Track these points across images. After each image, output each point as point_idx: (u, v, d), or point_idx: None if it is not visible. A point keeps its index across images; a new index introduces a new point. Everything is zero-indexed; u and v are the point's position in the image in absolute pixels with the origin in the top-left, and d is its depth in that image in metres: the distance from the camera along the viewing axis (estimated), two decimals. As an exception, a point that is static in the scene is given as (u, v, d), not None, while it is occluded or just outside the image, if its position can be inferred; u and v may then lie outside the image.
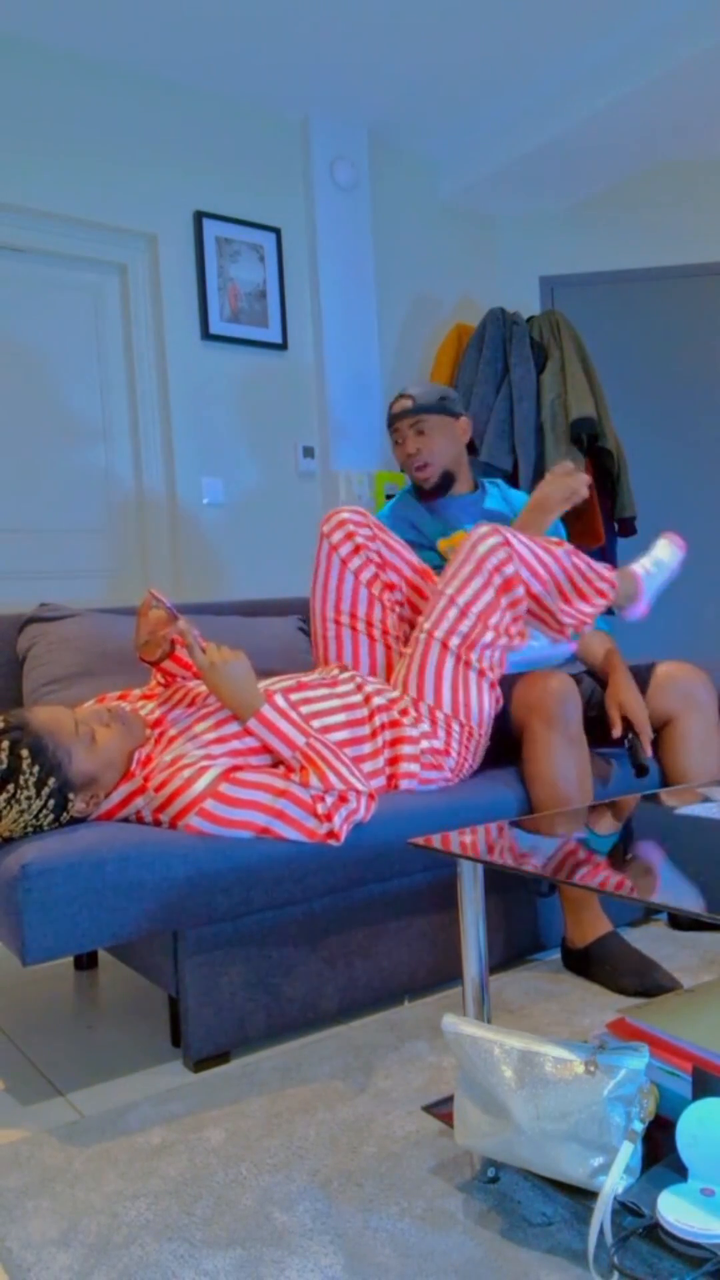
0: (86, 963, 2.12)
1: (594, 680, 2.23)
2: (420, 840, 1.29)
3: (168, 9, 3.06)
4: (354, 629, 2.04)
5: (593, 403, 3.56)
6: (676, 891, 1.04)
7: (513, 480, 3.61)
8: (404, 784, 1.83)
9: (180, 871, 1.52)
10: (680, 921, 2.09)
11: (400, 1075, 1.49)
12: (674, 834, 1.30)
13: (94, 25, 3.12)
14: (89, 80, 3.29)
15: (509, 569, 1.87)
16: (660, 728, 2.14)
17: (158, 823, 1.62)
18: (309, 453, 3.77)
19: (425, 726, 1.86)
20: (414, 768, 1.83)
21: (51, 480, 3.32)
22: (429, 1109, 1.37)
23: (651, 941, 2.01)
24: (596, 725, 2.19)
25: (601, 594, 1.95)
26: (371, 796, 1.65)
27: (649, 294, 4.08)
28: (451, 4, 3.12)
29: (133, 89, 3.38)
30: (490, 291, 4.34)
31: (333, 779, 1.60)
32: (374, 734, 1.82)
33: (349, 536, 2.03)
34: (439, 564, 2.32)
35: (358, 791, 1.62)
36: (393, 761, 1.82)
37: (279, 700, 1.67)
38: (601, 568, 1.97)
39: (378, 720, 1.83)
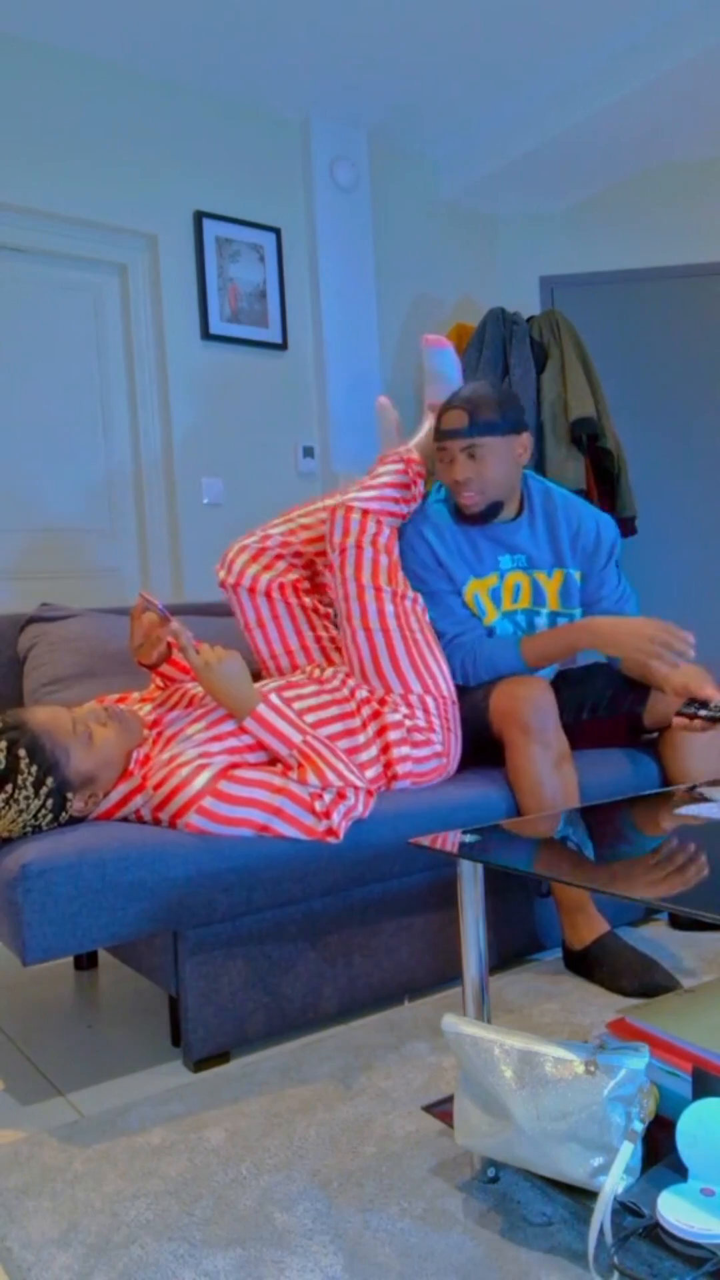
0: (86, 963, 2.12)
1: (615, 681, 2.19)
2: (420, 840, 1.29)
3: (168, 9, 3.06)
4: (293, 663, 2.07)
5: (593, 403, 3.56)
6: (676, 891, 1.04)
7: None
8: (400, 769, 1.83)
9: (180, 871, 1.52)
10: (680, 921, 2.09)
11: (400, 1075, 1.49)
12: (674, 834, 1.30)
13: (94, 25, 3.12)
14: (89, 80, 3.29)
15: (373, 530, 1.98)
16: (663, 729, 2.14)
17: (157, 822, 1.62)
18: (309, 453, 3.77)
19: (404, 709, 1.88)
20: (406, 750, 1.84)
21: (51, 480, 3.32)
22: (429, 1109, 1.37)
23: (651, 941, 2.01)
24: (605, 725, 2.19)
25: (406, 459, 2.10)
26: (370, 793, 1.65)
27: (649, 294, 4.08)
28: (451, 4, 3.12)
29: (133, 89, 3.38)
30: (490, 291, 4.34)
31: (330, 776, 1.60)
32: (365, 725, 1.83)
33: (238, 567, 2.05)
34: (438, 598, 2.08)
35: (355, 788, 1.62)
36: (384, 749, 1.83)
37: (274, 699, 1.67)
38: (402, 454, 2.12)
39: (365, 711, 1.85)
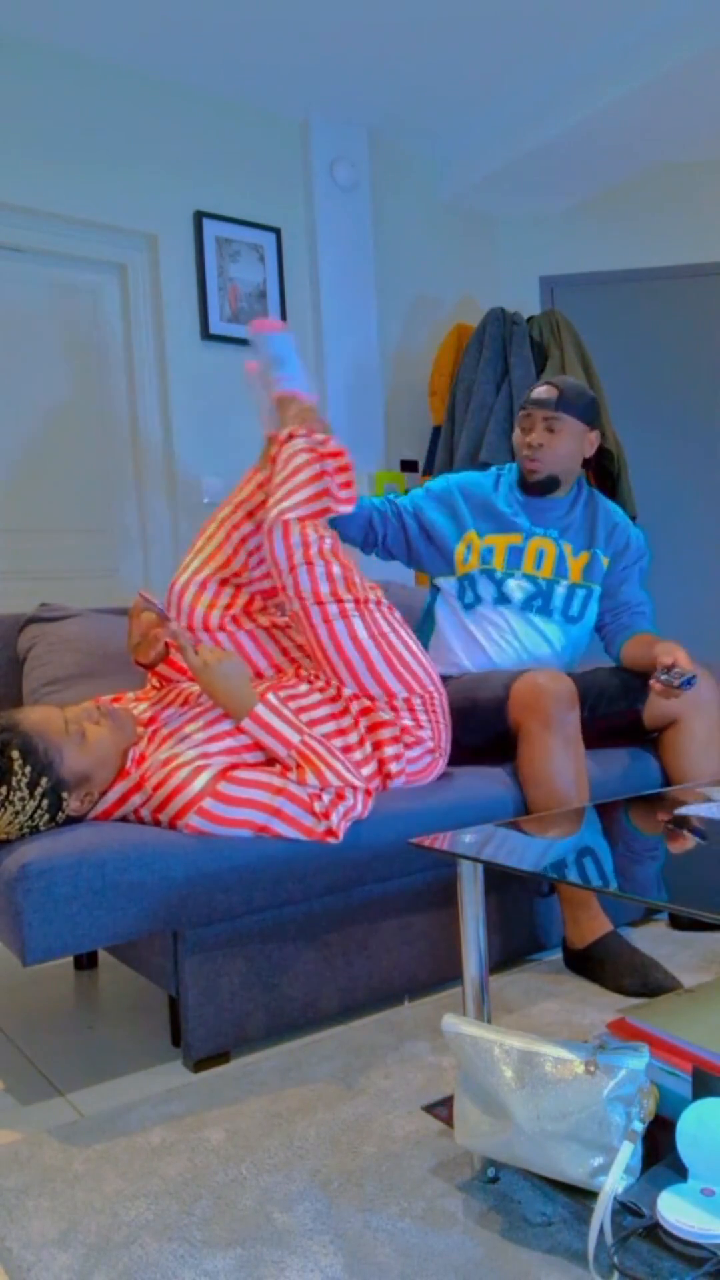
0: (86, 963, 2.12)
1: (615, 681, 2.19)
2: (420, 840, 1.30)
3: (168, 9, 3.06)
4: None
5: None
6: (676, 891, 1.04)
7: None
8: (393, 767, 1.83)
9: (180, 871, 1.52)
10: (680, 921, 2.09)
11: (400, 1075, 1.49)
12: (675, 834, 1.30)
13: (94, 25, 3.12)
14: (89, 80, 3.29)
15: (315, 541, 1.89)
16: (664, 728, 2.14)
17: (157, 823, 1.62)
18: (309, 453, 3.77)
19: (391, 714, 1.87)
20: (398, 748, 1.83)
21: (51, 480, 3.32)
22: (429, 1109, 1.37)
23: (651, 941, 2.01)
24: (605, 724, 2.19)
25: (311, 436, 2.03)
26: (369, 793, 1.65)
27: (649, 294, 4.08)
28: (451, 4, 3.12)
29: (133, 89, 3.38)
30: (490, 291, 4.34)
31: (329, 776, 1.60)
32: (356, 722, 1.83)
33: (186, 606, 1.97)
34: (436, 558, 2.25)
35: (354, 788, 1.62)
36: (377, 747, 1.83)
37: (272, 699, 1.67)
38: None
39: (355, 707, 1.85)
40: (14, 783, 1.50)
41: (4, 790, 1.50)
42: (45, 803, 1.53)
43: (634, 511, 3.72)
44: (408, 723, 1.86)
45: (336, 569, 1.87)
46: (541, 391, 2.19)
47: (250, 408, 3.64)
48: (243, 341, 3.59)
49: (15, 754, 1.52)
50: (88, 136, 3.28)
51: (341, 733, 1.82)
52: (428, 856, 1.79)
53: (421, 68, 3.46)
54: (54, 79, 3.22)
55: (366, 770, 1.82)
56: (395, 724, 1.84)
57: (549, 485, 2.21)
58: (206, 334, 3.51)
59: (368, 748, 1.83)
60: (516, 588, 2.18)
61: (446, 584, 2.25)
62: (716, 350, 4.05)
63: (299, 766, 1.62)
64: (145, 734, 1.72)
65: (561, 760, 1.86)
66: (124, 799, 1.63)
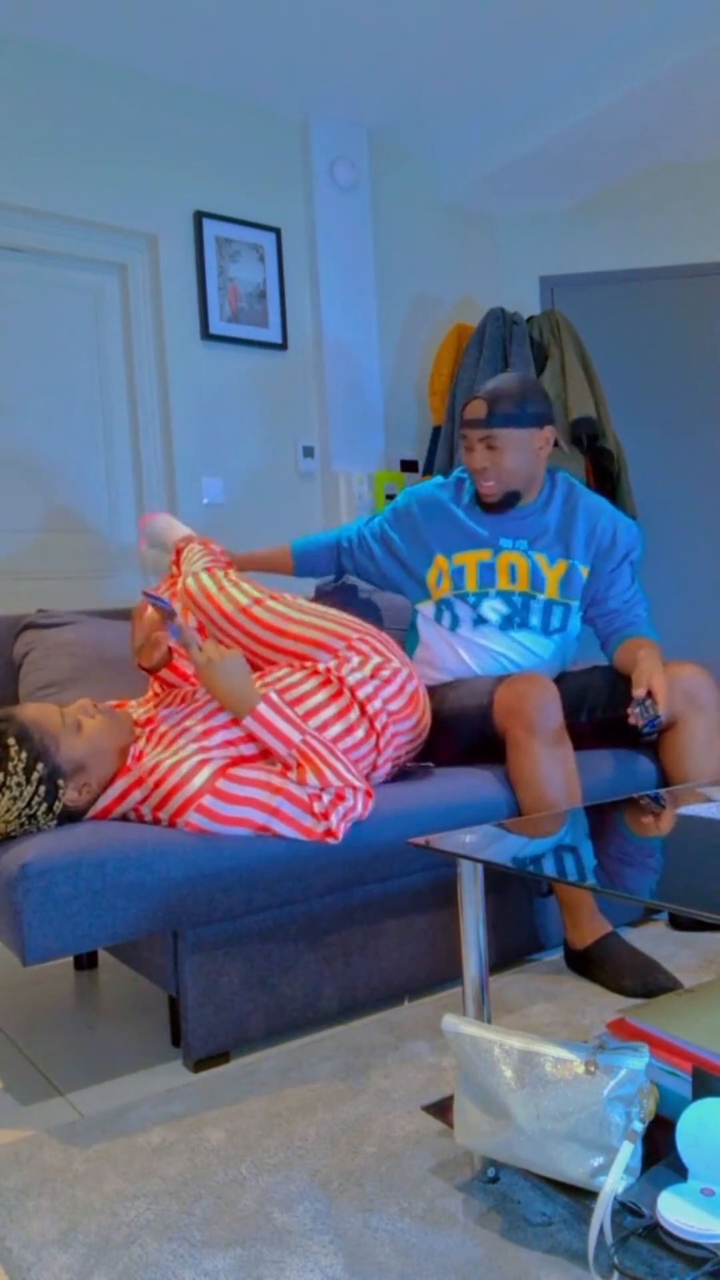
0: (86, 963, 2.12)
1: (614, 681, 2.19)
2: (420, 840, 1.30)
3: (168, 9, 3.06)
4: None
5: (593, 403, 3.56)
6: (676, 891, 1.04)
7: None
8: (379, 723, 1.83)
9: (180, 871, 1.52)
10: (680, 921, 2.09)
11: (400, 1075, 1.49)
12: (674, 834, 1.30)
13: (94, 25, 3.12)
14: (89, 80, 3.29)
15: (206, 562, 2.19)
16: (664, 729, 2.14)
17: (157, 821, 1.62)
18: (309, 453, 3.77)
19: (358, 657, 1.91)
20: (378, 704, 1.85)
21: (52, 480, 3.32)
22: (429, 1109, 1.37)
23: (651, 941, 2.01)
24: (608, 725, 2.19)
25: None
26: (369, 794, 1.65)
27: (649, 294, 4.08)
28: (451, 5, 3.12)
29: (133, 89, 3.38)
30: (490, 291, 4.34)
31: (329, 776, 1.60)
32: (352, 699, 1.83)
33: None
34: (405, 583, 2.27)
35: (354, 788, 1.62)
36: (360, 703, 1.83)
37: (274, 697, 1.67)
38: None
39: (340, 681, 1.85)
40: (10, 768, 1.52)
41: (1, 777, 1.52)
42: (42, 790, 1.54)
43: (634, 512, 3.72)
44: (377, 661, 1.90)
45: (222, 600, 2.02)
46: (472, 410, 2.07)
47: (251, 408, 3.64)
48: (243, 341, 3.59)
49: (11, 740, 1.54)
50: (88, 136, 3.28)
51: (342, 714, 1.81)
52: (428, 856, 1.79)
53: (421, 68, 3.46)
54: (54, 79, 3.22)
55: (367, 748, 1.82)
56: (365, 665, 1.88)
57: (508, 502, 2.13)
58: (206, 334, 3.51)
59: (373, 739, 1.83)
60: (491, 610, 2.14)
61: (424, 608, 2.24)
62: (716, 350, 4.05)
63: (299, 766, 1.62)
64: (144, 732, 1.72)
65: (549, 764, 1.86)
66: (124, 795, 1.63)
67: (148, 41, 3.22)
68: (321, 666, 1.87)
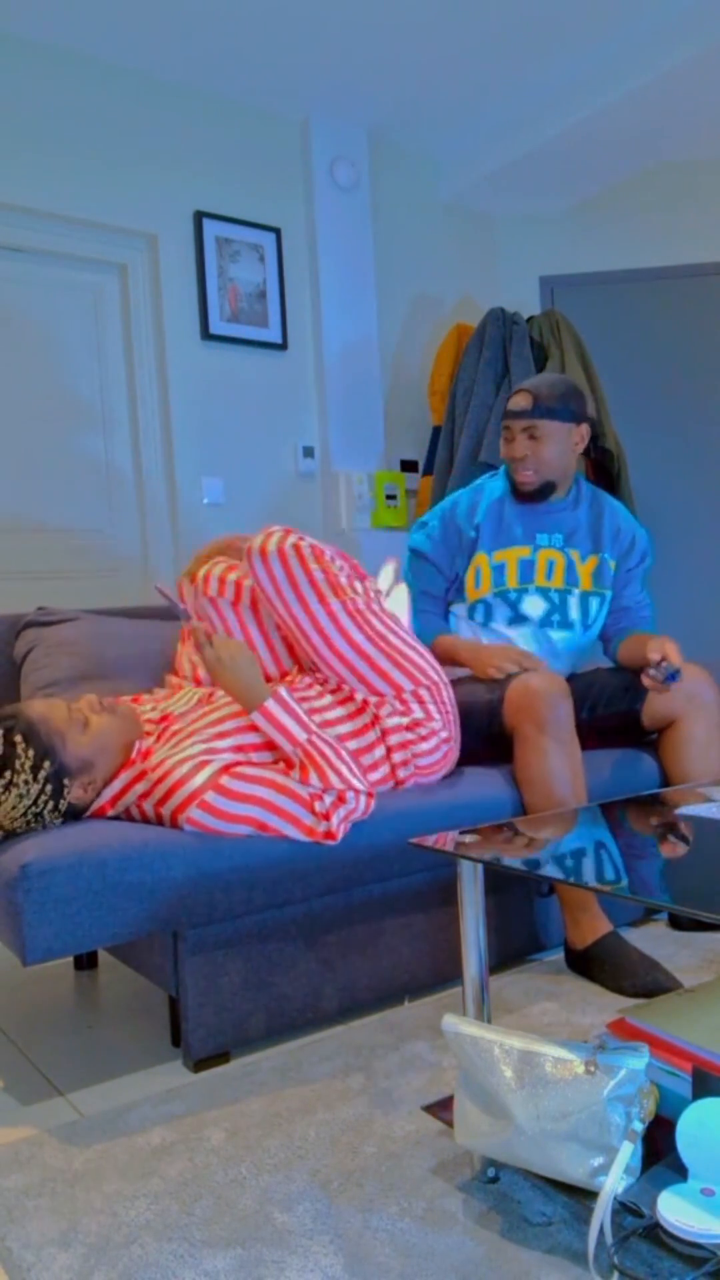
0: (86, 963, 2.12)
1: (614, 681, 2.20)
2: (420, 840, 1.30)
3: (168, 9, 3.06)
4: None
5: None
6: (676, 891, 1.04)
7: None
8: (403, 773, 1.83)
9: (180, 871, 1.52)
10: (680, 921, 2.09)
11: (400, 1075, 1.49)
12: (674, 834, 1.30)
13: (94, 25, 3.12)
14: (89, 80, 3.29)
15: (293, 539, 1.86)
16: (664, 729, 2.14)
17: (159, 818, 1.62)
18: (309, 453, 3.77)
19: (400, 707, 1.86)
20: (408, 753, 1.83)
21: (52, 480, 3.32)
22: (429, 1109, 1.37)
23: (651, 941, 2.01)
24: (610, 724, 2.19)
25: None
26: (370, 795, 1.65)
27: (649, 294, 4.08)
28: (452, 5, 3.12)
29: (133, 89, 3.38)
30: (490, 291, 4.34)
31: (332, 778, 1.60)
32: (373, 723, 1.84)
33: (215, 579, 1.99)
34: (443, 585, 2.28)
35: (356, 790, 1.62)
36: (388, 752, 1.83)
37: (284, 694, 1.68)
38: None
39: (370, 711, 1.85)
40: (17, 766, 1.52)
41: (8, 774, 1.52)
42: (49, 788, 1.54)
43: (634, 512, 3.72)
44: (419, 715, 1.86)
45: (318, 573, 1.84)
46: (517, 401, 2.16)
47: (251, 408, 3.64)
48: (243, 342, 3.59)
49: (18, 739, 1.53)
50: (88, 136, 3.28)
51: (358, 733, 1.81)
52: (428, 856, 1.79)
53: (421, 68, 3.46)
54: (54, 79, 3.22)
55: (378, 774, 1.82)
56: (402, 728, 1.84)
57: (544, 491, 2.20)
58: (206, 334, 3.51)
59: (381, 750, 1.82)
60: (533, 606, 2.19)
61: (458, 607, 2.28)
62: (716, 350, 4.05)
63: (303, 765, 1.62)
64: (157, 729, 1.73)
65: (557, 762, 1.86)
66: (127, 788, 1.64)
67: (148, 41, 3.22)
68: (359, 697, 1.86)
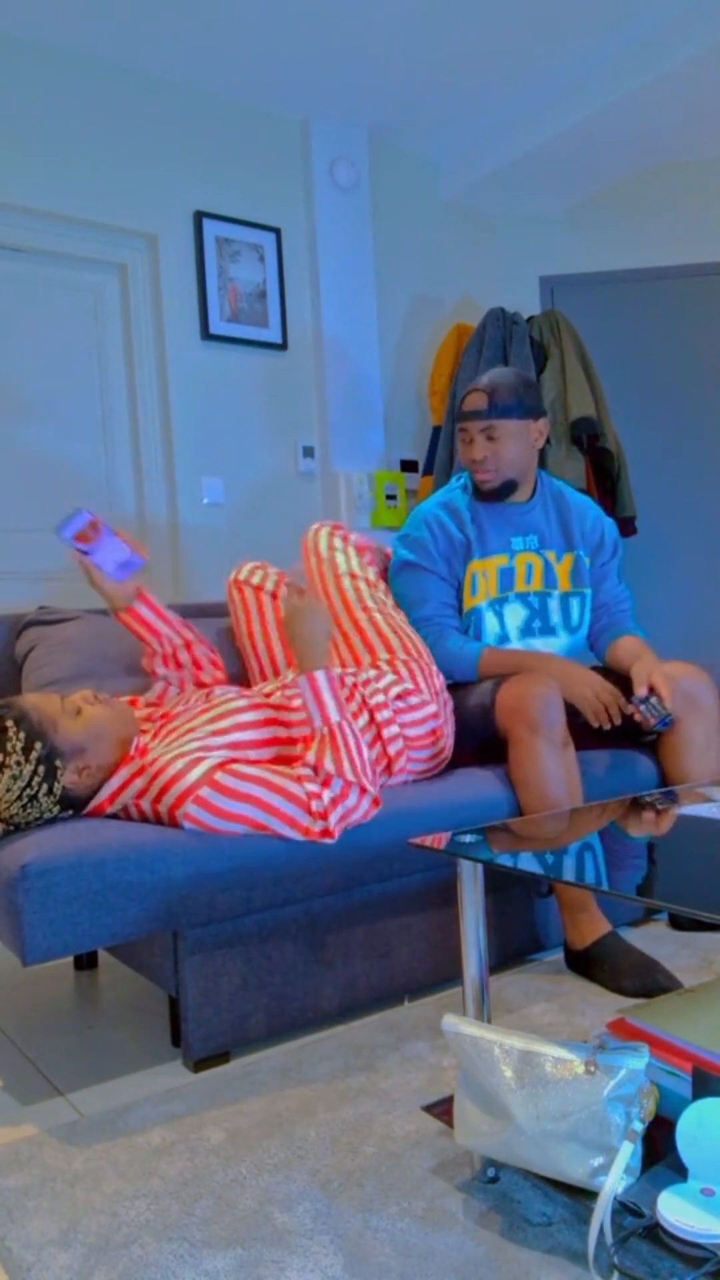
0: (86, 963, 2.12)
1: (614, 682, 2.21)
2: (420, 840, 1.30)
3: (168, 9, 3.06)
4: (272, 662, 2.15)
5: (593, 403, 3.56)
6: (676, 891, 1.04)
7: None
8: (393, 748, 1.85)
9: (180, 871, 1.52)
10: (680, 921, 2.09)
11: (400, 1075, 1.49)
12: (674, 834, 1.30)
13: (94, 25, 3.12)
14: (89, 80, 3.29)
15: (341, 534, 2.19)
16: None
17: (157, 815, 1.62)
18: (309, 453, 3.77)
19: (390, 675, 1.92)
20: (395, 729, 1.85)
21: (52, 480, 3.32)
22: (429, 1109, 1.37)
23: (651, 941, 2.01)
24: (609, 727, 2.19)
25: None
26: (376, 801, 1.66)
27: (649, 294, 4.08)
28: (452, 4, 3.12)
29: (133, 89, 3.38)
30: (490, 291, 4.34)
31: (345, 768, 1.61)
32: (360, 709, 1.86)
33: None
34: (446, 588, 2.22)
35: (362, 789, 1.62)
36: (377, 732, 1.85)
37: (336, 672, 1.73)
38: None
39: (359, 693, 1.87)
40: (9, 748, 1.55)
41: (0, 756, 1.55)
42: (41, 769, 1.56)
43: (634, 512, 3.72)
44: (407, 685, 1.92)
45: (353, 552, 2.11)
46: (471, 402, 2.12)
47: (251, 408, 3.64)
48: (243, 342, 3.59)
49: (9, 722, 1.57)
50: (88, 136, 3.28)
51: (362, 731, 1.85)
52: (428, 856, 1.79)
53: (421, 68, 3.46)
54: (54, 79, 3.22)
55: (373, 754, 1.83)
56: (388, 702, 1.87)
57: (505, 490, 2.16)
58: (206, 334, 3.51)
59: (370, 735, 1.84)
60: (512, 614, 2.17)
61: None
62: (716, 350, 4.05)
63: (321, 744, 1.63)
64: (154, 727, 1.74)
65: (551, 763, 1.86)
66: (126, 784, 1.65)
67: (148, 41, 3.22)
68: (337, 671, 1.89)
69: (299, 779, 1.60)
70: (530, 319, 3.75)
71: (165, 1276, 1.06)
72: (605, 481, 3.72)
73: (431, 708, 1.91)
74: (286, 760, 1.74)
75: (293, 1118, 1.38)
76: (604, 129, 3.61)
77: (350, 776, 1.61)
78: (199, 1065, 1.58)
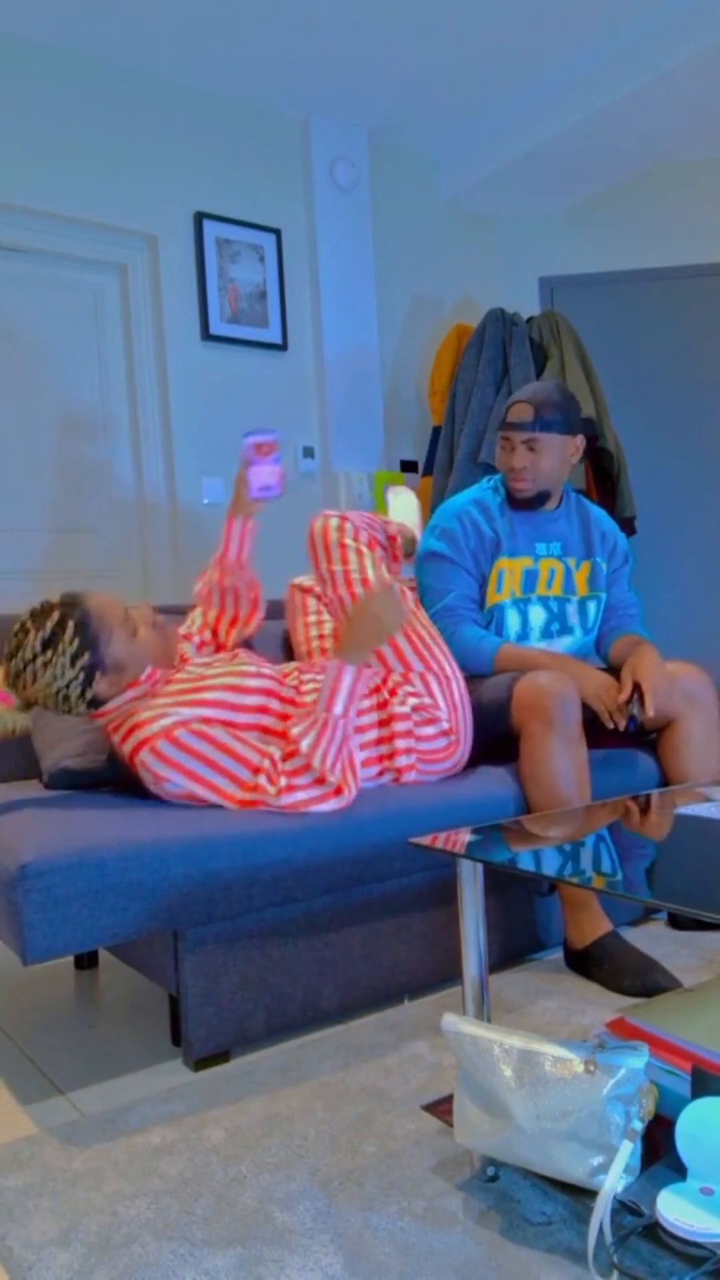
0: (86, 962, 2.12)
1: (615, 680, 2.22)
2: (420, 840, 1.30)
3: (168, 9, 3.06)
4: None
5: (593, 403, 3.56)
6: (676, 891, 1.04)
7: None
8: (403, 761, 1.86)
9: (180, 871, 1.52)
10: (680, 921, 2.09)
11: (400, 1075, 1.49)
12: (674, 834, 1.30)
13: (94, 25, 3.12)
14: (89, 80, 3.29)
15: (351, 530, 2.04)
16: (662, 729, 2.14)
17: (121, 757, 1.71)
18: (309, 453, 3.77)
19: (408, 688, 1.93)
20: (410, 742, 1.87)
21: (52, 480, 3.32)
22: (429, 1108, 1.37)
23: (651, 941, 2.01)
24: (609, 726, 2.19)
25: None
26: (338, 791, 1.68)
27: (649, 294, 4.08)
28: (452, 4, 3.12)
29: (133, 89, 3.38)
30: (490, 291, 4.34)
31: (317, 758, 1.64)
32: (381, 730, 1.88)
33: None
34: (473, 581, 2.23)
35: (332, 785, 1.66)
36: (389, 740, 1.87)
37: (365, 675, 1.75)
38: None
39: (385, 710, 1.89)
40: (60, 649, 1.63)
41: (49, 654, 1.63)
42: (81, 676, 1.65)
43: (634, 512, 3.72)
44: (425, 700, 1.92)
45: (367, 555, 2.00)
46: (517, 413, 2.16)
47: (251, 408, 3.64)
48: (243, 342, 3.59)
49: (70, 625, 1.64)
50: (88, 136, 3.29)
51: (365, 725, 1.87)
52: (428, 856, 1.80)
53: (421, 68, 3.46)
54: (54, 79, 3.22)
55: (364, 755, 1.85)
56: (409, 715, 1.88)
57: (539, 500, 2.21)
58: (206, 334, 3.51)
59: (372, 734, 1.86)
60: (534, 615, 2.20)
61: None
62: (716, 350, 4.05)
63: (311, 724, 1.66)
64: (181, 668, 1.81)
65: (564, 761, 1.87)
66: (131, 702, 1.74)
67: (148, 42, 3.22)
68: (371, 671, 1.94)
69: (296, 740, 1.66)
70: (530, 319, 3.75)
71: (165, 1276, 1.06)
72: (605, 481, 3.72)
73: (446, 724, 1.92)
74: (272, 732, 1.77)
75: (293, 1117, 1.38)
76: (604, 129, 3.61)
77: (319, 764, 1.65)
78: (199, 1064, 1.58)
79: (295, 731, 1.67)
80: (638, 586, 4.12)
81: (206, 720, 1.70)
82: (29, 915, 1.41)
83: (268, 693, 1.78)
